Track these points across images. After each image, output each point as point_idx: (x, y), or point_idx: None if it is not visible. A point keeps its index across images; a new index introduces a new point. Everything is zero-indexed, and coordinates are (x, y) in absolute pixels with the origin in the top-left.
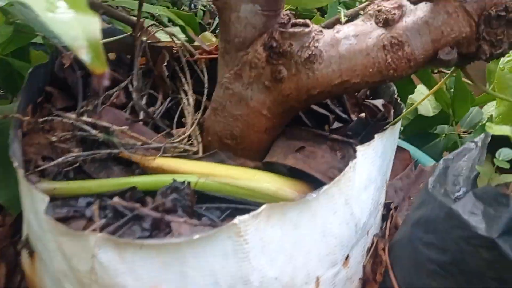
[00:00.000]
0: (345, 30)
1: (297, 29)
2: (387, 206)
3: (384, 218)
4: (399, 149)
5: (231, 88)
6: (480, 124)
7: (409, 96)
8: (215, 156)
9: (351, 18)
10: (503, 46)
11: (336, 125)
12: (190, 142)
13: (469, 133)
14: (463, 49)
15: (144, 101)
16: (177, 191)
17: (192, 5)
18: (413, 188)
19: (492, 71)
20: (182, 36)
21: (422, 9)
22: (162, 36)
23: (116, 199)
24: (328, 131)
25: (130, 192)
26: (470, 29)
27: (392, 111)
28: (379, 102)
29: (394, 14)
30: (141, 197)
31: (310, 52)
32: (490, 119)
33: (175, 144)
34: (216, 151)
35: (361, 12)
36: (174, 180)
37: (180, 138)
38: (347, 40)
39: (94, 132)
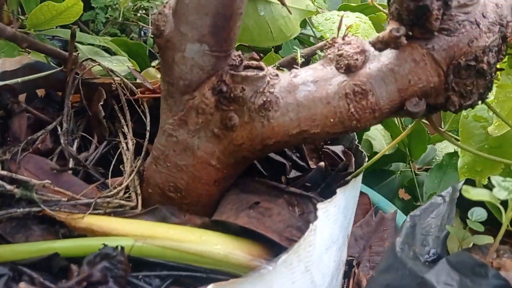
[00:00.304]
0: (303, 75)
1: (250, 73)
2: (348, 263)
3: (346, 274)
4: None
5: (175, 136)
6: (434, 161)
7: (365, 133)
8: (155, 213)
9: (307, 57)
10: (472, 97)
11: (293, 173)
12: (127, 194)
13: (424, 170)
14: (431, 99)
15: (75, 146)
16: (108, 259)
17: (142, 32)
18: (373, 237)
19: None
20: (129, 65)
21: (387, 56)
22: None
23: (22, 285)
24: (285, 182)
25: (52, 260)
26: (439, 79)
27: (353, 159)
28: (338, 149)
29: (357, 59)
30: (65, 266)
31: (264, 99)
32: (445, 158)
33: (108, 199)
34: (157, 207)
35: (318, 51)
36: (105, 245)
37: (116, 190)
38: (306, 86)
39: (9, 187)
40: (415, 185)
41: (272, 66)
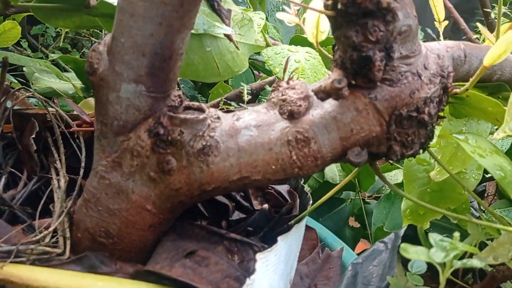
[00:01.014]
0: (246, 119)
1: (189, 115)
2: None
3: None
4: (305, 227)
5: (107, 178)
6: (384, 189)
7: None
8: (84, 261)
9: (256, 92)
10: (414, 147)
11: (236, 214)
12: (55, 238)
13: (374, 198)
14: (373, 148)
15: (3, 182)
16: None
17: None
18: (319, 275)
19: None
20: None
21: (330, 103)
22: (53, 84)
23: None
24: (226, 227)
25: None
26: (381, 129)
27: (298, 200)
28: (283, 188)
29: (300, 106)
30: None
31: (204, 143)
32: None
33: (32, 246)
34: (86, 254)
35: (267, 86)
36: None
37: (42, 234)
38: (248, 130)
39: None
40: (364, 214)
41: (219, 99)
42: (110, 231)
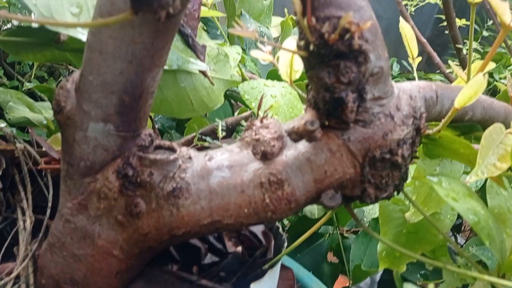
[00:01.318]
0: (218, 159)
1: (159, 156)
2: None
3: None
4: (282, 267)
5: (73, 222)
6: (362, 222)
7: None
8: None
9: (231, 127)
10: (388, 189)
11: (209, 257)
12: (18, 285)
13: (353, 232)
14: (347, 191)
15: None
16: None
17: None
18: None
19: None
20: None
21: (304, 143)
22: (28, 114)
23: None
24: (197, 272)
25: None
26: (355, 171)
27: (273, 242)
28: (258, 229)
29: (274, 146)
30: None
31: (174, 185)
32: (371, 223)
33: None
34: None
35: (242, 122)
36: None
37: (3, 282)
38: (220, 171)
39: None
40: (342, 249)
41: (193, 135)
42: (75, 278)
